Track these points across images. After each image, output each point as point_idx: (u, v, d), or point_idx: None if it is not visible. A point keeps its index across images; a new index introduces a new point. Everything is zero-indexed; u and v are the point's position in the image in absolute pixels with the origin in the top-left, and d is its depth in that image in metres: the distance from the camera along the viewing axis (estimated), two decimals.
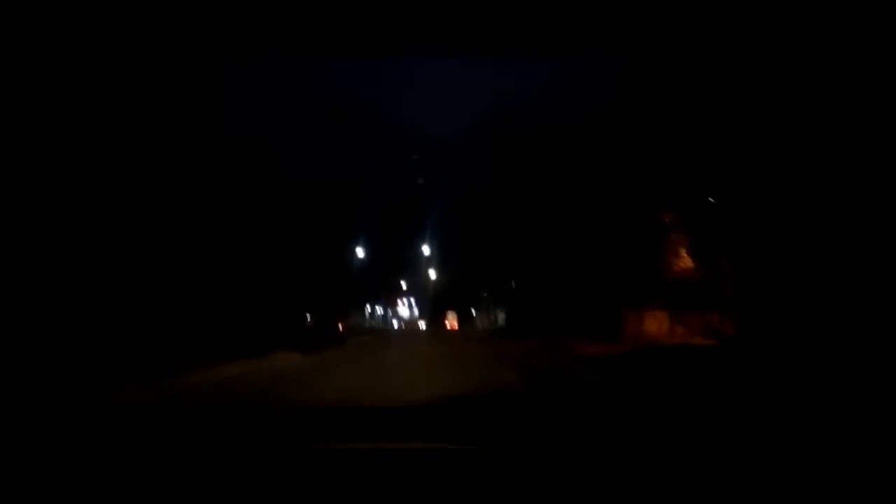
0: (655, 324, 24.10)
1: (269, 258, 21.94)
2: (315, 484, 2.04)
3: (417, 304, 64.73)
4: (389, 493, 1.99)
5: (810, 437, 2.29)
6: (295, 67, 23.60)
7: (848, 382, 7.88)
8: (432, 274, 53.94)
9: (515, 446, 2.26)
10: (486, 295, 55.02)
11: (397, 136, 41.51)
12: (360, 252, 40.79)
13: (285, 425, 2.80)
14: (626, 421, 2.59)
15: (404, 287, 62.93)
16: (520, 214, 31.53)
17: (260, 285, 20.18)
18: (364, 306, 60.82)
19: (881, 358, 10.63)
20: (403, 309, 68.73)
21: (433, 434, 2.39)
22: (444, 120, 56.28)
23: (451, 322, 56.23)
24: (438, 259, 51.15)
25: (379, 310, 66.90)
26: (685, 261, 22.17)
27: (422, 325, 58.21)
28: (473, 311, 59.19)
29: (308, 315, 33.24)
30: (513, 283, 43.17)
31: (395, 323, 64.72)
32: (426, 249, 49.22)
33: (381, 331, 45.37)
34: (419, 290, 59.04)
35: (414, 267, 53.17)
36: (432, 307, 56.75)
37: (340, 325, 37.70)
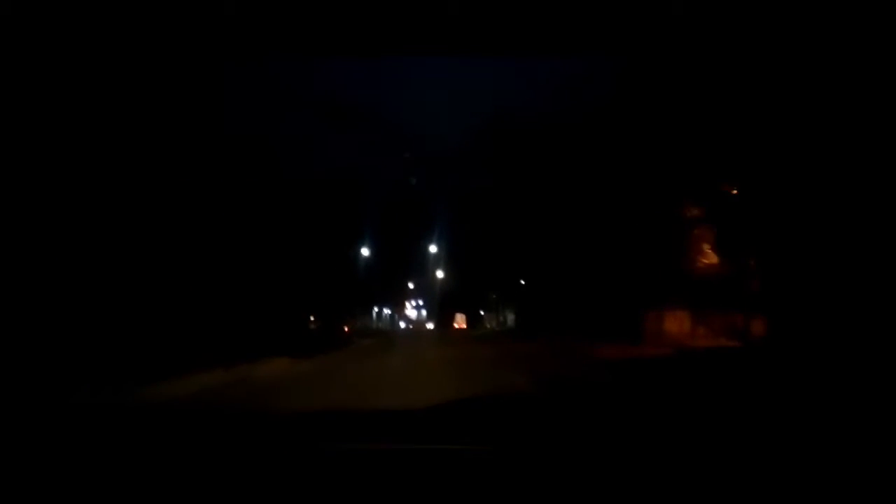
0: (676, 324, 22.52)
1: (268, 258, 20.71)
2: (311, 485, 1.96)
3: (425, 305, 63.56)
4: (385, 494, 1.90)
5: (852, 460, 1.95)
6: (295, 67, 23.47)
7: (887, 392, 6.90)
8: (440, 275, 52.84)
9: (520, 448, 2.15)
10: (494, 296, 54.19)
11: (401, 137, 40.87)
12: (366, 253, 39.89)
13: (272, 430, 2.57)
14: (647, 436, 2.31)
15: (412, 288, 61.85)
16: (530, 213, 30.14)
17: (257, 286, 18.76)
18: (371, 308, 59.78)
19: None
20: (411, 310, 67.61)
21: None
22: (449, 120, 55.47)
23: (460, 323, 55.13)
24: (446, 260, 50.39)
25: (387, 311, 65.85)
26: (710, 257, 20.55)
27: (430, 326, 57.00)
28: (482, 311, 58.27)
29: (312, 317, 31.98)
30: (522, 283, 41.97)
31: (403, 324, 63.45)
32: (433, 250, 48.52)
33: (388, 332, 44.07)
34: (427, 291, 57.98)
35: (421, 268, 52.35)
36: (440, 308, 55.65)
37: (346, 328, 36.82)
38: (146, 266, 13.60)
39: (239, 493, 1.91)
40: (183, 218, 15.13)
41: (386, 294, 57.94)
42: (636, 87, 20.35)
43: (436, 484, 1.91)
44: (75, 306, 11.11)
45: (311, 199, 25.46)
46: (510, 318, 50.79)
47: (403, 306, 66.78)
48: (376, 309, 62.32)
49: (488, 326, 53.99)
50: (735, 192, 19.93)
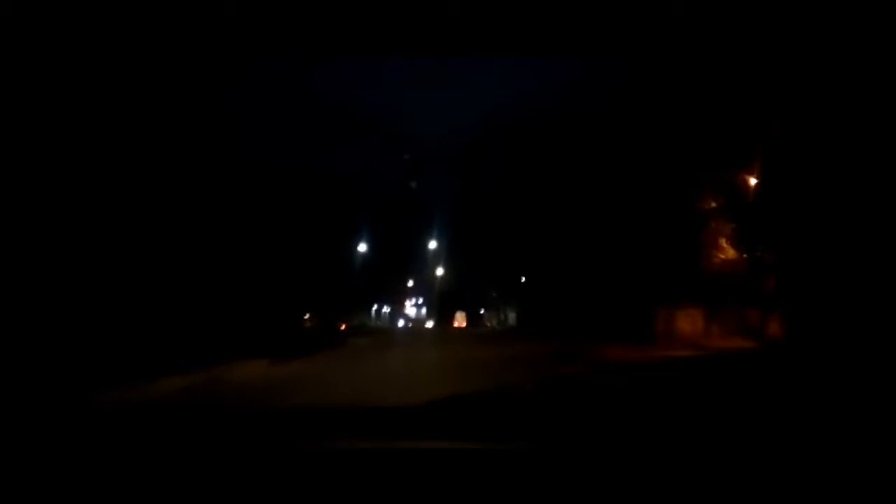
0: (689, 323, 21.14)
1: (257, 254, 19.41)
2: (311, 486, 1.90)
3: (425, 303, 62.26)
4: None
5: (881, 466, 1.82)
6: (295, 67, 23.06)
7: None
8: (440, 272, 51.66)
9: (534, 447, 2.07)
10: (494, 294, 53.13)
11: (401, 135, 40.10)
12: (365, 251, 38.89)
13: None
14: (664, 443, 2.04)
15: (412, 286, 60.67)
16: (534, 208, 28.83)
17: (244, 282, 17.38)
18: (370, 306, 58.56)
19: None
20: (411, 308, 66.38)
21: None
22: (451, 117, 54.16)
23: (460, 321, 53.87)
24: (446, 257, 49.47)
25: (386, 309, 64.63)
26: (726, 251, 19.16)
27: (429, 324, 55.67)
28: (482, 310, 57.15)
29: (308, 315, 30.67)
30: (524, 281, 40.69)
31: (402, 322, 62.15)
32: (433, 248, 47.55)
33: (386, 331, 42.73)
34: (426, 289, 56.81)
35: (421, 266, 51.31)
36: (439, 306, 54.40)
37: (343, 326, 35.63)
38: (111, 256, 12.25)
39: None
40: (159, 206, 13.82)
41: (385, 292, 56.90)
42: (648, 77, 19.03)
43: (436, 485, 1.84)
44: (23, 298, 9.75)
45: (307, 195, 24.49)
46: (511, 316, 49.89)
47: (403, 304, 65.54)
48: (375, 307, 61.18)
49: (488, 325, 52.77)
50: (754, 182, 18.57)
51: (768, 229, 17.14)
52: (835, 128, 15.49)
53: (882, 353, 11.83)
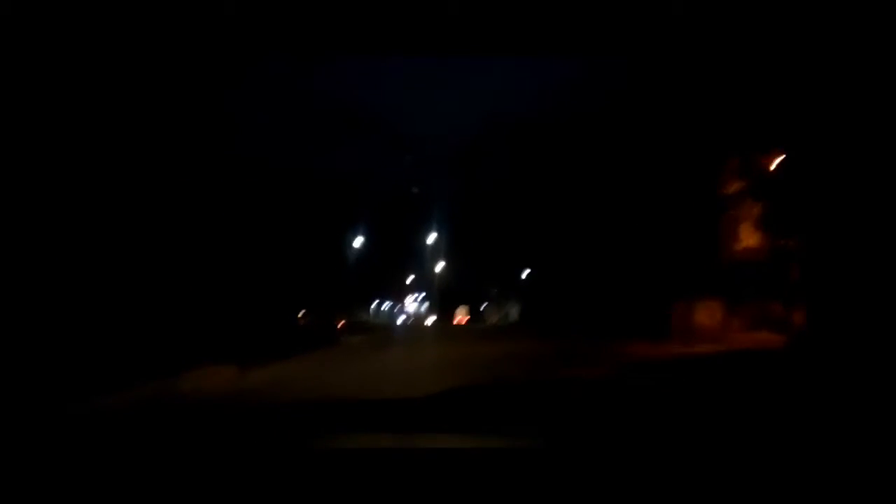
0: (707, 316, 19.48)
1: (243, 248, 17.94)
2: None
3: (425, 299, 60.88)
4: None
5: None
6: (295, 67, 22.90)
7: None
8: (440, 267, 50.44)
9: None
10: (496, 289, 52.00)
11: (402, 132, 39.52)
12: (364, 246, 37.75)
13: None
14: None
15: (412, 281, 59.35)
16: (536, 200, 27.31)
17: (226, 277, 15.80)
18: (370, 302, 57.30)
19: None
20: (411, 304, 65.01)
21: None
22: (451, 113, 52.89)
23: (461, 317, 52.52)
24: (446, 252, 48.38)
25: (386, 305, 63.31)
26: (748, 239, 17.49)
27: (430, 320, 54.19)
28: (484, 305, 55.92)
29: (304, 311, 29.27)
30: (527, 276, 39.32)
31: (402, 318, 60.71)
32: (433, 243, 46.42)
33: (385, 327, 41.26)
34: (427, 284, 55.54)
35: (421, 261, 50.14)
36: (440, 302, 53.11)
37: (341, 323, 34.31)
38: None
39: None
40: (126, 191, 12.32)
41: (385, 288, 55.83)
42: (663, 56, 17.40)
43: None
44: None
45: (302, 189, 23.49)
46: (513, 312, 48.84)
47: (403, 300, 64.16)
48: (375, 303, 59.94)
49: (490, 321, 51.47)
50: (778, 163, 16.93)
51: (799, 211, 15.51)
52: (868, 103, 13.95)
53: None
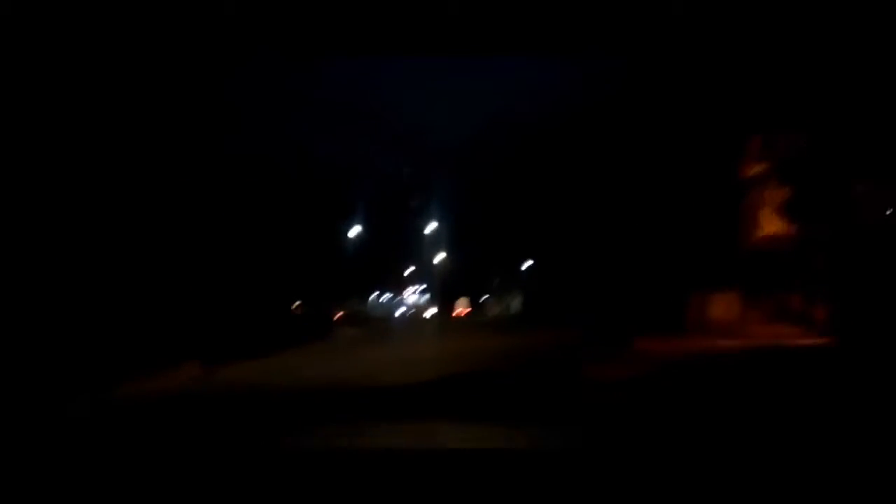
0: (723, 308, 18.20)
1: (228, 237, 16.77)
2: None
3: (426, 290, 59.64)
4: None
5: None
6: (294, 60, 21.24)
7: None
8: (440, 257, 49.22)
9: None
10: (497, 279, 50.84)
11: (404, 124, 38.47)
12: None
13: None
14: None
15: (412, 273, 58.06)
16: (539, 186, 25.93)
17: (206, 268, 14.51)
18: (369, 293, 56.02)
19: None
20: (411, 295, 63.79)
21: None
22: (454, 105, 51.61)
23: (462, 308, 51.30)
24: (447, 243, 47.09)
25: (385, 296, 62.04)
26: (771, 226, 16.11)
27: (431, 311, 52.94)
28: (484, 296, 54.69)
29: (299, 302, 28.09)
30: (529, 266, 38.09)
31: (402, 310, 59.47)
32: (433, 234, 45.12)
33: (383, 319, 40.04)
34: (427, 276, 54.29)
35: (421, 252, 48.81)
36: (441, 293, 51.83)
37: (338, 314, 33.20)
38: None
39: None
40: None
41: (385, 279, 54.62)
42: (677, 35, 16.03)
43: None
44: None
45: (295, 179, 22.71)
46: (515, 303, 47.71)
47: (403, 291, 62.92)
48: (374, 294, 58.69)
49: (492, 312, 50.30)
50: (803, 143, 15.58)
51: (827, 196, 14.19)
52: None
53: None
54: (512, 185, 29.74)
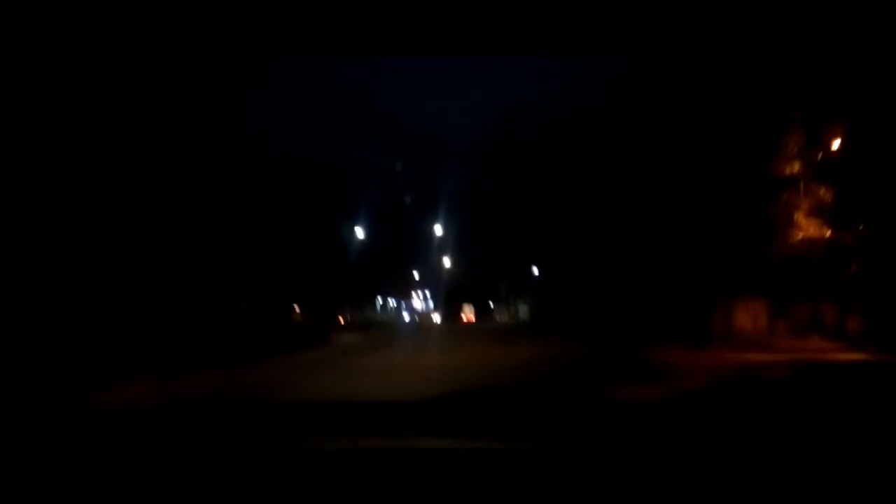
0: (750, 318, 16.78)
1: (231, 241, 15.65)
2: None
3: (432, 295, 58.42)
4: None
5: None
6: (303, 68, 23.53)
7: None
8: (447, 263, 48.02)
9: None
10: (505, 286, 49.61)
11: (411, 128, 38.07)
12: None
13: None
14: None
15: (419, 278, 56.91)
16: (552, 191, 24.59)
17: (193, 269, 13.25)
18: (375, 298, 54.95)
19: None
20: (417, 301, 62.57)
21: None
22: (465, 108, 50.99)
23: (468, 315, 50.21)
24: (454, 248, 45.88)
25: (392, 302, 60.90)
26: (807, 228, 14.63)
27: (436, 317, 51.68)
28: (491, 303, 53.44)
29: (297, 307, 26.87)
30: (537, 272, 36.76)
31: (407, 315, 58.21)
32: (440, 240, 44.01)
33: (387, 324, 38.73)
34: (433, 281, 53.11)
35: (427, 258, 47.69)
36: (447, 299, 50.64)
37: (341, 319, 32.05)
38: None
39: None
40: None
41: (391, 284, 53.47)
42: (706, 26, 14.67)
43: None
44: None
45: (300, 186, 22.26)
46: (522, 310, 46.38)
47: (410, 297, 61.73)
48: (381, 300, 57.59)
49: (499, 319, 49.02)
50: (840, 142, 14.16)
51: (872, 196, 12.75)
52: None
53: None
54: (522, 188, 28.52)
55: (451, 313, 50.13)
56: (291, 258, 21.47)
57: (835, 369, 10.90)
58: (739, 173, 15.42)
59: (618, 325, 18.13)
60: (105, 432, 2.71)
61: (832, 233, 14.37)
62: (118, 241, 11.82)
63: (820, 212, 14.14)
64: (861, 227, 13.94)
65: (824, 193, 13.79)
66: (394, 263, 45.87)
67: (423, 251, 46.59)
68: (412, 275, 56.13)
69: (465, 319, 48.99)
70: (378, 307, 56.85)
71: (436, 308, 56.49)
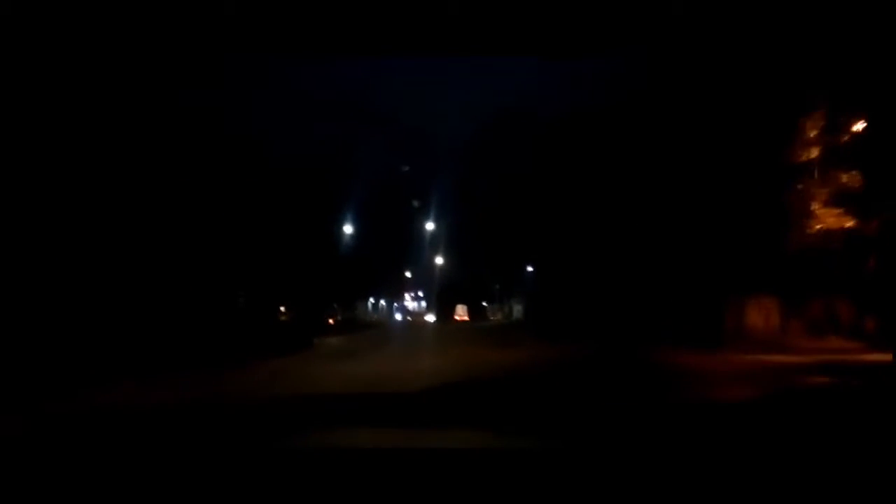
0: (761, 317, 15.58)
1: (219, 240, 14.65)
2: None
3: (424, 295, 57.35)
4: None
5: None
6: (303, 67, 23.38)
7: None
8: (439, 263, 47.13)
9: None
10: (497, 286, 48.73)
11: (403, 127, 37.43)
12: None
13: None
14: None
15: (411, 278, 55.88)
16: (547, 187, 23.49)
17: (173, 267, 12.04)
18: (367, 298, 53.82)
19: None
20: (410, 301, 61.49)
21: None
22: (459, 106, 50.18)
23: (461, 315, 49.29)
24: (446, 248, 45.51)
25: (383, 301, 59.78)
26: (825, 219, 13.41)
27: (429, 317, 50.60)
28: (484, 303, 52.51)
29: (283, 308, 25.63)
30: (531, 270, 35.77)
31: (399, 316, 57.11)
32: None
33: (378, 325, 37.53)
34: (426, 281, 52.13)
35: (419, 257, 46.80)
36: (440, 298, 49.70)
37: (331, 320, 30.81)
38: None
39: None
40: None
41: (383, 284, 52.39)
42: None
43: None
44: None
45: (292, 185, 21.57)
46: (516, 309, 45.38)
47: (402, 297, 60.61)
48: (372, 300, 56.46)
49: (492, 318, 48.08)
50: (863, 124, 12.97)
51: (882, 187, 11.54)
52: None
53: None
54: (519, 187, 27.48)
55: (444, 312, 49.26)
56: (281, 258, 20.39)
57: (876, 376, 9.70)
58: (749, 162, 14.22)
59: (618, 324, 16.92)
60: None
61: (856, 222, 13.12)
62: (101, 240, 11.01)
63: (840, 200, 12.93)
64: (887, 216, 12.70)
65: (847, 179, 12.58)
66: (386, 263, 44.96)
67: (417, 251, 45.83)
68: (405, 275, 55.22)
69: (458, 319, 47.98)
70: (370, 307, 55.74)
71: (429, 307, 55.55)
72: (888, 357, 11.43)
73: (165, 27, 9.13)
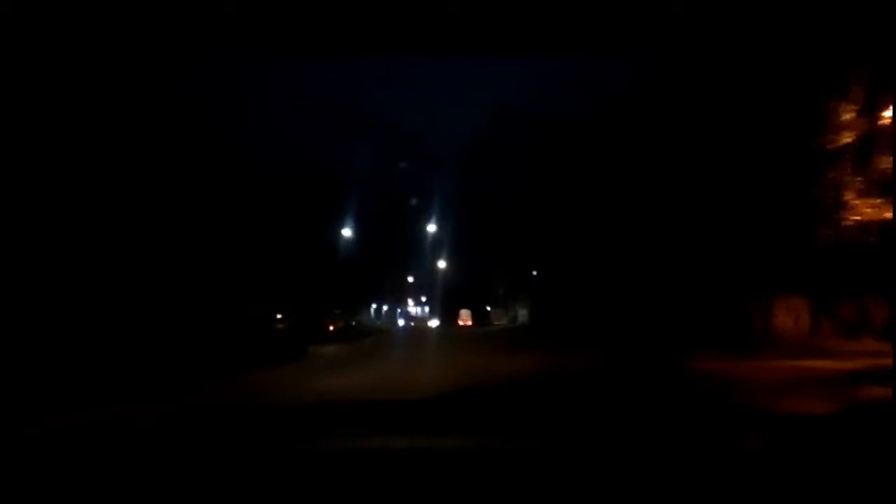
0: (791, 317, 14.29)
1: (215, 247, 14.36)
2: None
3: (428, 300, 56.37)
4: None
5: None
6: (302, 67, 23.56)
7: None
8: (442, 267, 46.18)
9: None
10: (501, 290, 47.73)
11: (404, 133, 37.36)
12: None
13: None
14: None
15: (414, 283, 54.98)
16: (554, 184, 22.37)
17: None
18: (369, 304, 52.95)
19: None
20: (413, 306, 60.55)
21: None
22: (459, 109, 49.70)
23: (465, 319, 48.39)
24: (449, 253, 44.41)
25: (386, 307, 58.90)
26: (861, 210, 12.10)
27: (433, 323, 49.54)
28: (488, 307, 51.42)
29: (280, 315, 24.44)
30: (536, 274, 34.69)
31: (402, 321, 56.04)
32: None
33: (381, 331, 36.44)
34: (429, 286, 51.18)
35: (422, 262, 45.94)
36: (444, 304, 48.68)
37: (332, 327, 29.62)
38: None
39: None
40: None
41: (385, 290, 51.55)
42: None
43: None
44: None
45: (290, 189, 21.05)
46: (521, 313, 44.26)
47: (405, 302, 59.67)
48: (375, 305, 55.60)
49: (497, 323, 46.96)
50: None
51: None
52: None
53: None
54: (522, 189, 26.44)
55: (448, 317, 48.21)
56: (276, 264, 19.40)
57: None
58: (773, 151, 12.94)
59: (631, 328, 15.66)
60: None
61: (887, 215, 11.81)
62: (89, 246, 10.20)
63: (879, 189, 11.60)
64: None
65: (886, 166, 11.26)
66: (388, 268, 44.18)
67: (419, 255, 44.90)
68: (407, 279, 54.28)
69: (462, 323, 46.91)
70: (373, 313, 54.74)
71: (432, 312, 54.50)
72: None
73: (165, 27, 8.97)
